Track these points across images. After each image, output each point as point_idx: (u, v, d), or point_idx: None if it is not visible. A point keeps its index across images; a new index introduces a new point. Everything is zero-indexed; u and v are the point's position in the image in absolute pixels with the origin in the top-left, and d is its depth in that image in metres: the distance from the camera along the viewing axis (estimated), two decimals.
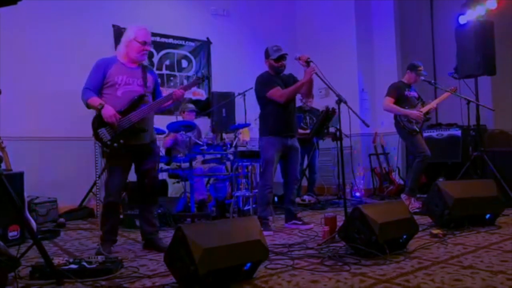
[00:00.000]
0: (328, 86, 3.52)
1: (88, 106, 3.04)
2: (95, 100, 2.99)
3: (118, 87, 3.04)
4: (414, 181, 4.66)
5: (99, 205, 5.14)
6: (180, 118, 5.25)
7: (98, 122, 2.99)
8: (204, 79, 3.32)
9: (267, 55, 3.93)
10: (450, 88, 4.80)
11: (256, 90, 3.96)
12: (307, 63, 3.69)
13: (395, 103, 4.75)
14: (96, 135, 3.01)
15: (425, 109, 4.72)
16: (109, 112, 2.92)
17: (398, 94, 4.76)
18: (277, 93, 3.82)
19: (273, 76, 3.94)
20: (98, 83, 3.05)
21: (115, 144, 2.98)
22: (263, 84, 3.90)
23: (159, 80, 3.42)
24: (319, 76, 3.60)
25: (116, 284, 2.28)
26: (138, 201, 3.27)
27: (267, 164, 3.83)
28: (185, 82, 6.12)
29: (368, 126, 3.63)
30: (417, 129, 4.67)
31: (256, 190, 4.12)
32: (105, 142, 2.99)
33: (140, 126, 3.03)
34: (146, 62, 3.30)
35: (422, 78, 4.80)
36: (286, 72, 4.02)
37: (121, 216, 4.21)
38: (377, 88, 6.45)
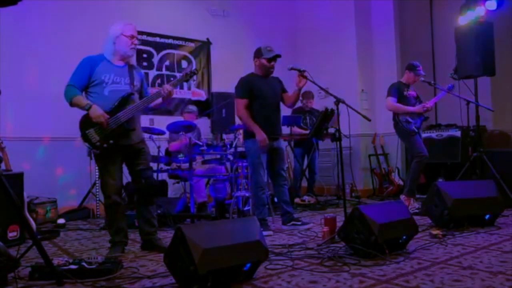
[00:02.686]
0: (324, 90, 3.53)
1: (72, 104, 2.95)
2: (81, 99, 2.94)
3: (105, 86, 2.99)
4: (412, 181, 4.66)
5: (99, 205, 5.14)
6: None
7: (86, 122, 2.92)
8: (192, 75, 3.21)
9: (259, 54, 3.86)
10: (448, 87, 4.81)
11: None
12: (302, 76, 3.69)
13: None
14: (85, 136, 2.93)
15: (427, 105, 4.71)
16: (97, 112, 2.87)
17: (399, 94, 4.76)
18: (240, 106, 3.82)
19: (258, 79, 3.88)
20: (84, 81, 2.99)
21: (105, 145, 2.91)
22: (238, 87, 3.87)
23: (144, 77, 3.32)
24: (313, 82, 3.61)
25: (116, 285, 2.28)
26: (136, 201, 3.23)
27: (254, 167, 3.83)
28: (185, 82, 6.11)
29: (369, 120, 3.65)
30: (416, 130, 4.67)
31: None
32: (94, 143, 2.91)
33: (128, 126, 2.98)
34: (133, 61, 3.26)
35: (422, 78, 4.80)
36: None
37: None
38: (376, 88, 6.45)
